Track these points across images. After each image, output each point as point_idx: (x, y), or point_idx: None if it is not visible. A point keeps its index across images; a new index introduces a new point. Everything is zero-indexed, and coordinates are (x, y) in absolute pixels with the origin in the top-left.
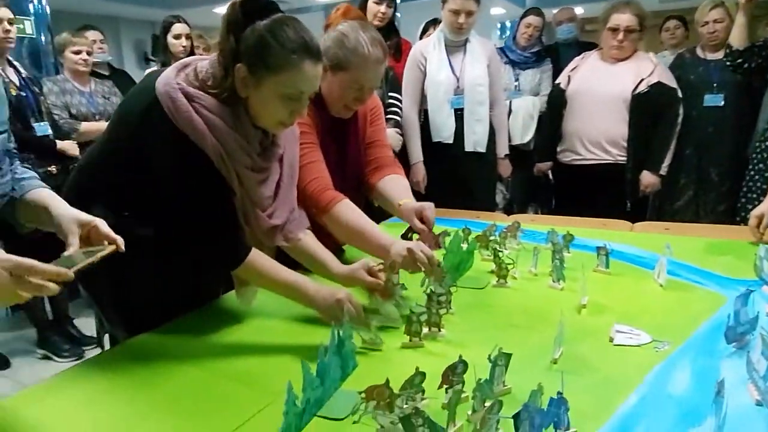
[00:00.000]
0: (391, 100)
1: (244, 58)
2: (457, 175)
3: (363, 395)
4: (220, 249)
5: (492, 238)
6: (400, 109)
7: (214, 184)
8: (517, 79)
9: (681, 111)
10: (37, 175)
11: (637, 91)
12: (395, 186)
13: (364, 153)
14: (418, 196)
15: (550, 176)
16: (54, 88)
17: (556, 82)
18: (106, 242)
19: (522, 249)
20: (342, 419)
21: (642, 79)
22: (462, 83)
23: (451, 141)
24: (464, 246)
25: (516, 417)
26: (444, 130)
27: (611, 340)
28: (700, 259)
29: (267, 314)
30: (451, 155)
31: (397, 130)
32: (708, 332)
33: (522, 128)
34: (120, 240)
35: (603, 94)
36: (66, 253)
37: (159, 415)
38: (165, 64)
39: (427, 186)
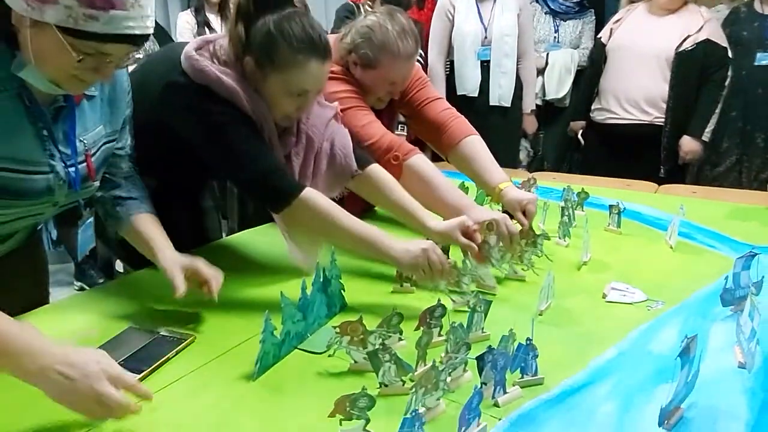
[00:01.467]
0: None
1: (251, 52)
2: (480, 130)
3: (338, 330)
4: (270, 184)
5: None
6: (421, 63)
7: (249, 123)
8: (556, 30)
9: (729, 73)
10: (144, 193)
11: (682, 48)
12: (482, 155)
13: (414, 117)
14: None
15: (579, 136)
16: None
17: (598, 36)
18: (181, 331)
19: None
20: (320, 353)
21: (689, 36)
22: (490, 34)
23: (476, 94)
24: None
25: (480, 358)
26: (469, 83)
27: (604, 296)
28: (721, 223)
29: (274, 256)
30: (475, 109)
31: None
32: (707, 295)
33: (557, 83)
34: (217, 282)
35: (645, 49)
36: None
37: None
38: (198, 10)
39: None
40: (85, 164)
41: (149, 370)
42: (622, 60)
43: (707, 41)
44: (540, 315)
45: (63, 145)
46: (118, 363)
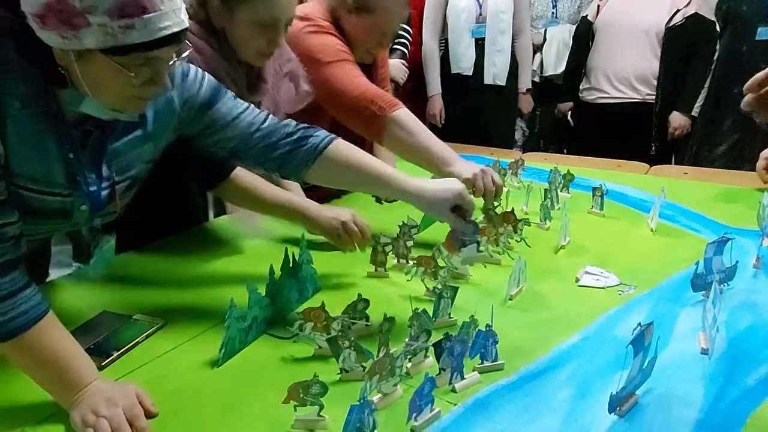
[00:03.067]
0: (399, 30)
1: None
2: (475, 109)
3: (301, 317)
4: (202, 166)
5: None
6: (408, 40)
7: None
8: (554, 6)
9: (717, 47)
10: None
11: (672, 23)
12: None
13: None
14: (434, 129)
15: (569, 117)
16: None
17: (583, 14)
18: (153, 317)
19: (521, 187)
20: (287, 339)
21: (678, 10)
22: (485, 10)
23: (470, 73)
24: None
25: (437, 345)
26: (463, 61)
27: (577, 280)
28: (708, 205)
29: (257, 240)
30: (469, 88)
31: (403, 61)
32: (680, 279)
33: (556, 59)
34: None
35: (634, 25)
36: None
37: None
38: None
39: (444, 120)
40: (109, 191)
41: (116, 355)
42: (610, 37)
43: (696, 15)
44: (510, 300)
45: (88, 169)
46: (89, 348)
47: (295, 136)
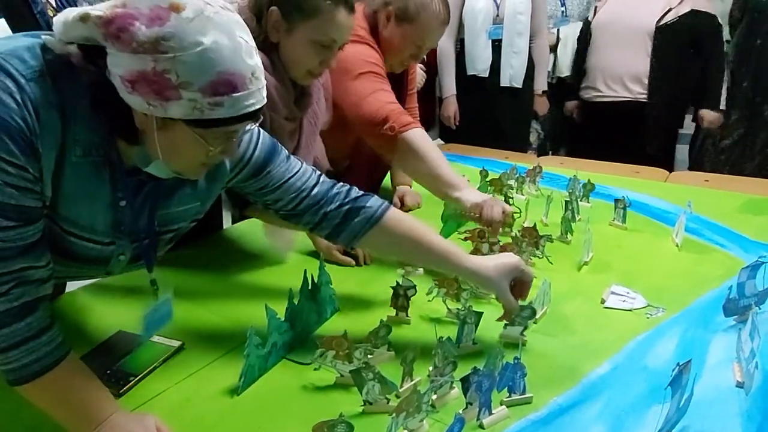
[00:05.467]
0: None
1: (277, 2)
2: (490, 112)
3: (322, 344)
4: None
5: (509, 182)
6: None
7: None
8: (563, 4)
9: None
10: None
11: (663, 22)
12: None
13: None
14: (448, 132)
15: (574, 116)
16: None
17: (587, 16)
18: (170, 338)
19: (540, 195)
20: (307, 364)
21: (670, 9)
22: (502, 12)
23: (486, 75)
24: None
25: (464, 380)
26: (479, 63)
27: (603, 302)
28: (733, 217)
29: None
30: (485, 90)
31: (421, 66)
32: (710, 302)
33: (571, 59)
34: None
35: (627, 25)
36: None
37: None
38: None
39: (459, 122)
40: (151, 242)
41: (134, 381)
42: (605, 37)
43: (693, 12)
44: (535, 323)
45: (136, 219)
46: (106, 373)
47: (346, 207)
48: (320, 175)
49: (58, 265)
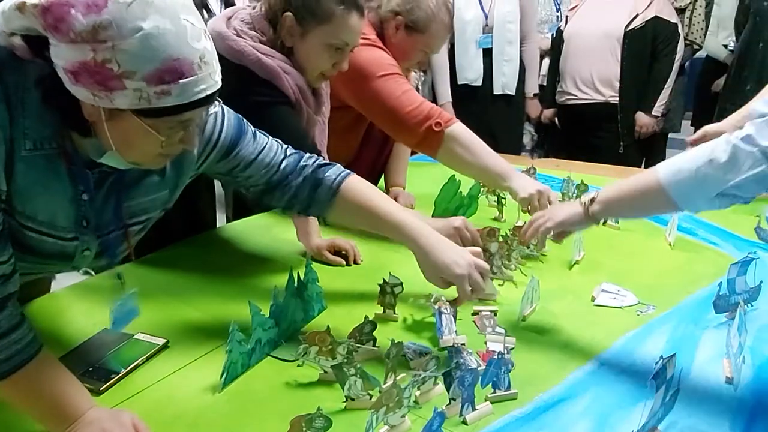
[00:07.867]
0: None
1: (292, 7)
2: (483, 119)
3: (305, 340)
4: None
5: None
6: None
7: (288, 103)
8: (558, 9)
9: (681, 47)
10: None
11: (631, 27)
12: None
13: None
14: None
15: (557, 122)
16: None
17: (558, 26)
18: (154, 336)
19: None
20: (291, 361)
21: (637, 14)
22: (491, 21)
23: (479, 84)
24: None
25: (447, 375)
26: (470, 72)
27: (593, 299)
28: (727, 216)
29: (267, 250)
30: (478, 98)
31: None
32: (701, 299)
33: None
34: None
35: (596, 31)
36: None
37: None
38: None
39: None
40: (120, 233)
41: (116, 378)
42: (576, 43)
43: (656, 18)
44: (523, 320)
45: (101, 212)
46: (89, 370)
47: (311, 178)
48: (287, 149)
49: (20, 260)
